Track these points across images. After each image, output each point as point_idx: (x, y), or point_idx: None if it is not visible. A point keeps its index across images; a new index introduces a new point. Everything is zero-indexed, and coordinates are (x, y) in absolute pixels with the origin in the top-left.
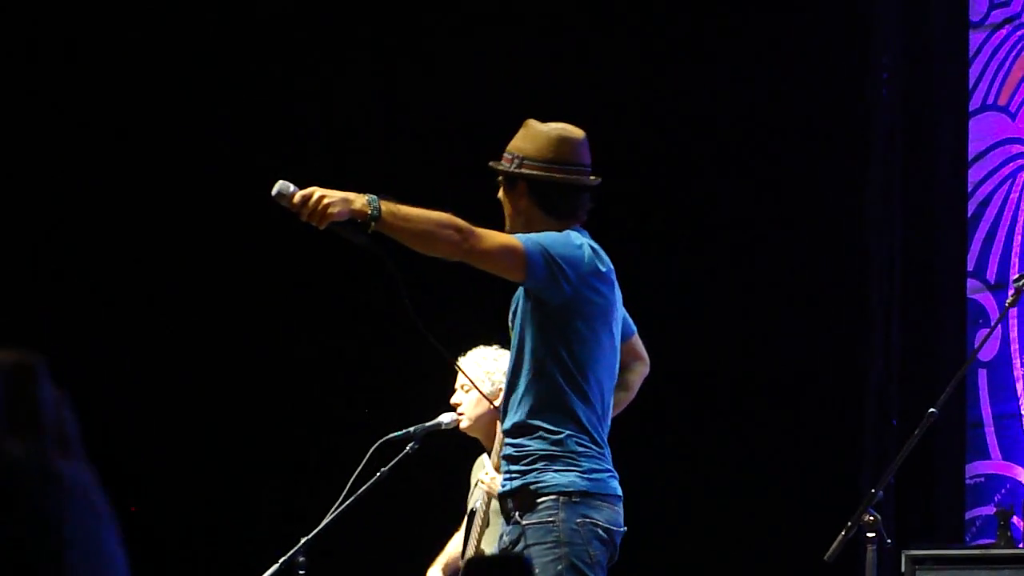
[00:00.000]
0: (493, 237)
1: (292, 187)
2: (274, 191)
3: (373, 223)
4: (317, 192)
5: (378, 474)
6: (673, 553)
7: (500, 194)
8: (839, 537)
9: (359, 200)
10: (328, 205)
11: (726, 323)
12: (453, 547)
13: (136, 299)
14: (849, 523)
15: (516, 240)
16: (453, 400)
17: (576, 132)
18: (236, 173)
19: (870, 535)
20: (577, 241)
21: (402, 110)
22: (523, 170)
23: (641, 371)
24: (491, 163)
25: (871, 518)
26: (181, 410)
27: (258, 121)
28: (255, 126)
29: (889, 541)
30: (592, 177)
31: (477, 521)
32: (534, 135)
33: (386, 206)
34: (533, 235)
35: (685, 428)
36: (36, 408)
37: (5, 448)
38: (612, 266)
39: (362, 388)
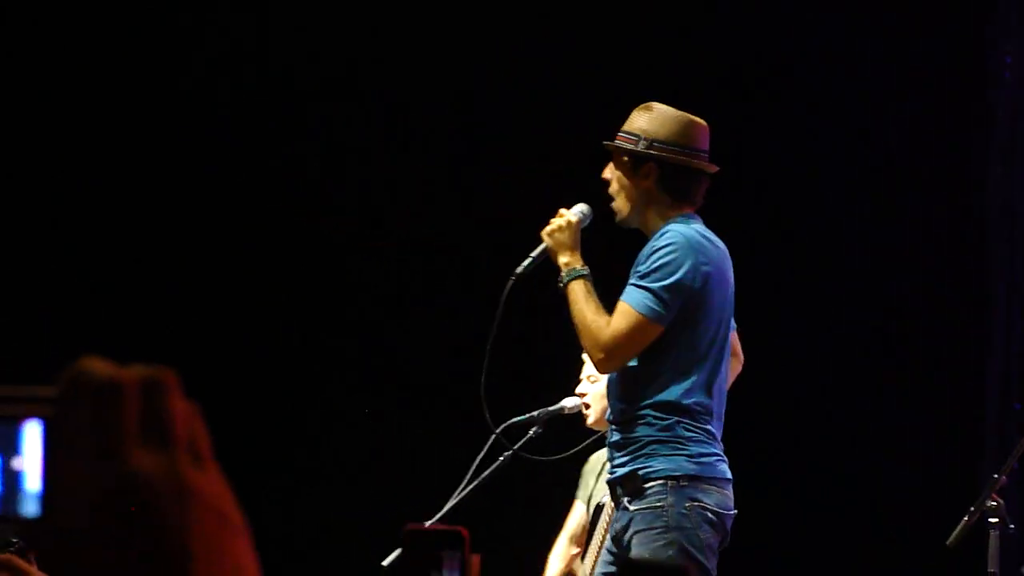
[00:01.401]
0: (617, 335)
1: (584, 212)
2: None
3: (560, 284)
4: (566, 220)
5: (501, 458)
6: (790, 538)
7: (613, 173)
8: (962, 522)
9: (569, 261)
10: (556, 231)
11: (846, 304)
12: (559, 552)
13: (137, 300)
14: (972, 508)
15: (632, 315)
16: (579, 390)
17: (700, 120)
18: (234, 173)
19: (993, 520)
20: (684, 258)
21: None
22: (652, 151)
23: (735, 368)
24: (608, 142)
25: (994, 503)
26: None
27: (256, 120)
28: (253, 125)
29: (1012, 526)
30: (712, 165)
31: (604, 515)
32: (664, 118)
33: (573, 285)
34: (637, 287)
35: (805, 411)
36: (168, 421)
37: (138, 460)
38: (725, 251)
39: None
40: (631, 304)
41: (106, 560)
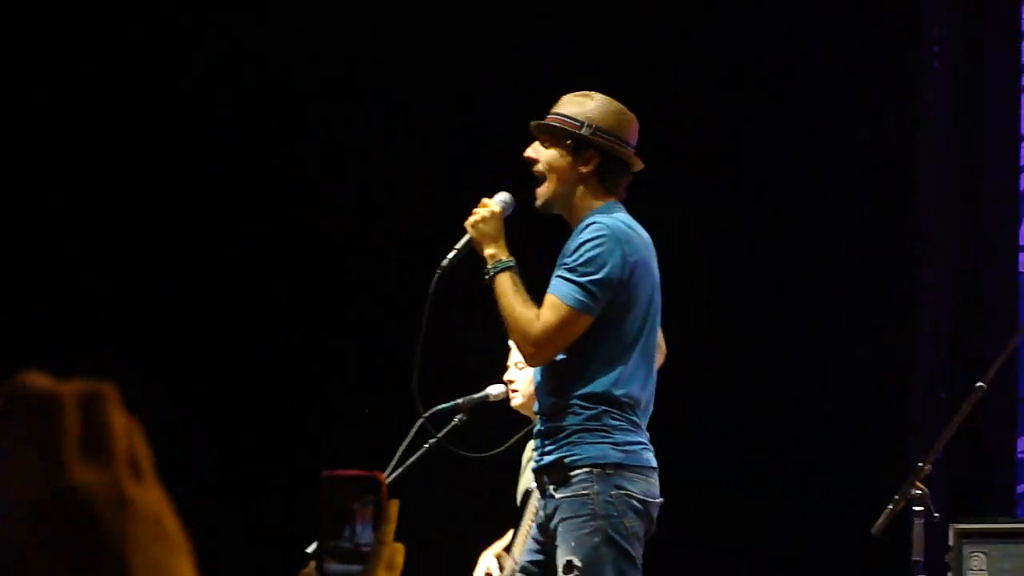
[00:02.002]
0: (546, 328)
1: (506, 201)
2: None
3: (486, 276)
4: (489, 211)
5: (426, 445)
6: (715, 526)
7: (541, 153)
8: (887, 510)
9: (495, 252)
10: (479, 222)
11: (774, 296)
12: (509, 537)
13: (135, 300)
14: (897, 496)
15: (561, 308)
16: (506, 377)
17: (631, 113)
18: (233, 173)
19: (918, 509)
20: (612, 250)
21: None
22: (598, 139)
23: (658, 361)
24: (542, 122)
25: (919, 492)
26: (193, 406)
27: (255, 120)
28: (252, 125)
29: (937, 515)
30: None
31: (531, 503)
32: (607, 108)
33: (499, 278)
34: (565, 280)
35: (730, 400)
36: (108, 434)
37: (77, 474)
38: (650, 242)
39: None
40: (559, 297)
41: (43, 573)
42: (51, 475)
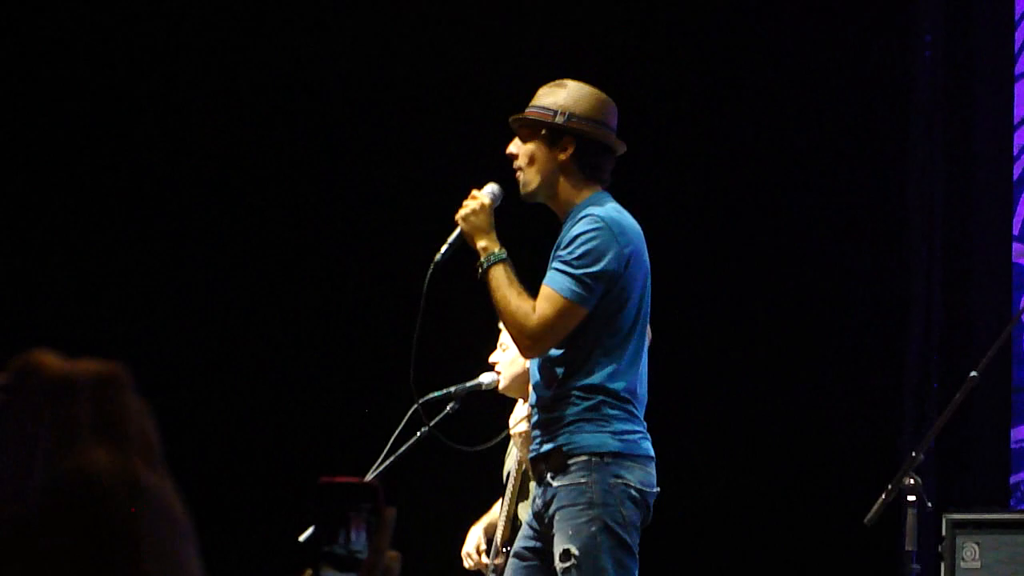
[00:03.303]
0: (543, 321)
1: (495, 192)
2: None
3: (480, 269)
4: (479, 203)
5: (418, 433)
6: (710, 515)
7: (520, 147)
8: (879, 500)
9: (487, 245)
10: (470, 215)
11: (766, 286)
12: (496, 509)
13: (133, 300)
14: (889, 486)
15: (558, 300)
16: (492, 358)
17: (610, 98)
18: (221, 171)
19: (911, 499)
20: (608, 242)
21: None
22: (572, 124)
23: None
24: (518, 116)
25: (912, 481)
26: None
27: (252, 120)
28: (250, 125)
29: (929, 505)
30: (623, 144)
31: (511, 484)
32: (580, 94)
33: (493, 271)
34: (561, 273)
35: (725, 391)
36: (122, 417)
37: (90, 456)
38: (641, 232)
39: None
40: (556, 289)
41: (54, 555)
42: (64, 456)
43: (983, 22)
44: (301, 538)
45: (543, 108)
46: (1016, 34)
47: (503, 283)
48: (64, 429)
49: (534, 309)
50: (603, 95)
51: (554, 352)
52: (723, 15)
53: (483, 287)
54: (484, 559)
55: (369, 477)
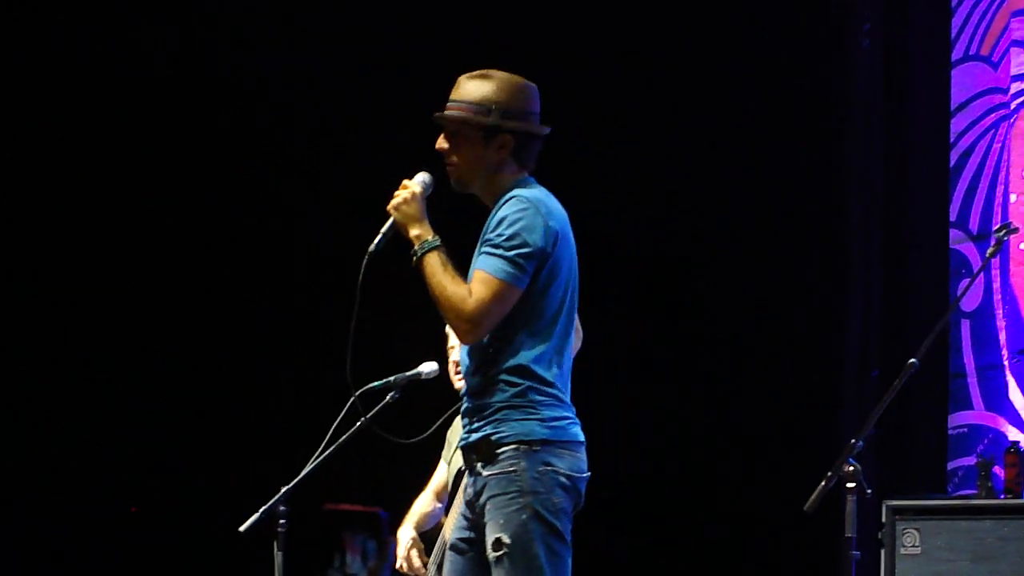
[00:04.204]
0: (481, 304)
1: (426, 181)
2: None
3: (414, 257)
4: (410, 192)
5: (358, 423)
6: (651, 503)
7: (450, 142)
8: (819, 487)
9: (420, 233)
10: (402, 204)
11: (703, 275)
12: (421, 504)
13: (132, 300)
14: (829, 473)
15: (493, 282)
16: (452, 357)
17: (528, 81)
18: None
19: (850, 485)
20: (535, 222)
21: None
22: (508, 124)
23: (575, 346)
24: (447, 115)
25: (851, 468)
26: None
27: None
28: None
29: (869, 491)
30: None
31: (464, 481)
32: (509, 87)
33: (427, 258)
34: (492, 256)
35: (666, 379)
36: None
37: None
38: (565, 216)
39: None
40: (490, 271)
41: None
42: None
43: (920, 10)
44: (242, 528)
45: (473, 104)
46: (952, 21)
47: (438, 270)
48: None
49: (471, 293)
50: (528, 83)
51: (484, 338)
52: (661, 7)
53: (418, 275)
54: (417, 561)
55: (309, 467)
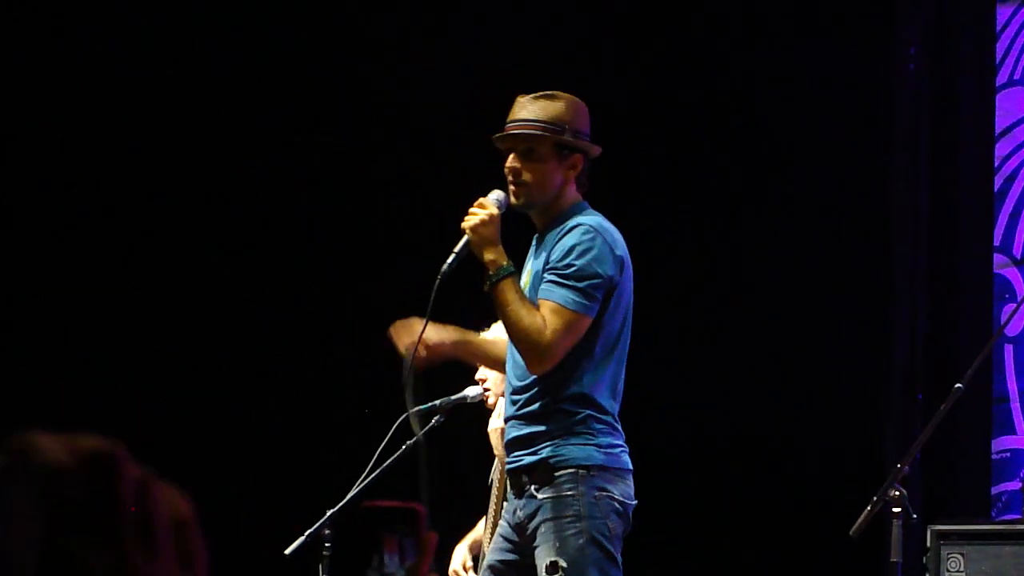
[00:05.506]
0: (556, 335)
1: (501, 200)
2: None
3: (488, 283)
4: (488, 214)
5: (404, 446)
6: (695, 529)
7: (523, 162)
8: (864, 512)
9: (495, 258)
10: (479, 226)
11: (751, 298)
12: (479, 531)
13: (132, 299)
14: (875, 498)
15: (566, 314)
16: (478, 375)
17: None
18: (223, 179)
19: (896, 510)
20: (604, 251)
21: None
22: (581, 143)
23: None
24: (524, 132)
25: (897, 493)
26: (191, 396)
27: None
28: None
29: (915, 516)
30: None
31: (493, 494)
32: (576, 108)
33: (503, 286)
34: (562, 285)
35: (708, 403)
36: (115, 507)
37: (81, 557)
38: (624, 244)
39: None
40: (561, 303)
41: None
42: (52, 548)
43: (966, 34)
44: (287, 551)
45: (547, 123)
46: (997, 45)
47: (514, 298)
48: (53, 521)
49: (546, 324)
50: (583, 104)
51: None
52: (711, 25)
53: (490, 300)
54: None
55: (355, 491)
